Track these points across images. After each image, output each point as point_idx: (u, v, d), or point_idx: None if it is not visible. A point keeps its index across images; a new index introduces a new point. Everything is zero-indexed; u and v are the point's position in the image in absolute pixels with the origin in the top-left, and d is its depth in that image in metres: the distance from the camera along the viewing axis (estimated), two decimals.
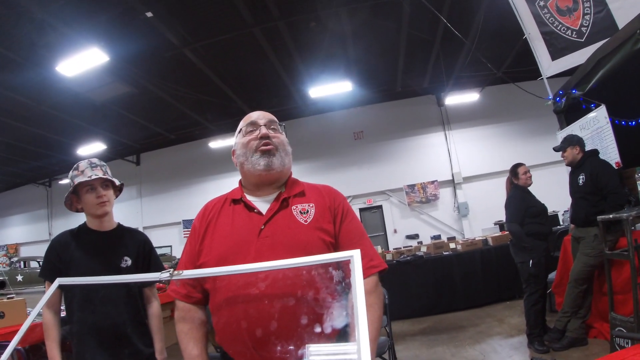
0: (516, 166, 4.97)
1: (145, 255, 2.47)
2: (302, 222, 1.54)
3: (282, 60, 10.80)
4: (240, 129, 1.72)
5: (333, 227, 1.58)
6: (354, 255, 1.00)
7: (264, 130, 1.64)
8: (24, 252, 19.63)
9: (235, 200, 1.66)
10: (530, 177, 4.93)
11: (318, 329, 1.35)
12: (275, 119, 1.73)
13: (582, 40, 5.28)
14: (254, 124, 1.68)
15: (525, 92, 8.69)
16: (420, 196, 14.25)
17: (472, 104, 13.74)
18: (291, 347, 1.34)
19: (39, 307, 1.51)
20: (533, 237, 4.64)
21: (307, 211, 1.58)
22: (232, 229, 1.57)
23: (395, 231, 14.40)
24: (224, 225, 1.60)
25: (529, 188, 4.95)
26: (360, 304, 0.91)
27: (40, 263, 2.69)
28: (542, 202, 4.90)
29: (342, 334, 1.43)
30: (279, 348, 1.35)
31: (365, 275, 1.50)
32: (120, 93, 11.44)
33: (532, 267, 4.59)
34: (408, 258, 7.52)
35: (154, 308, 2.46)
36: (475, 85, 13.13)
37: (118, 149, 16.28)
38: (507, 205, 4.99)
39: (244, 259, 1.43)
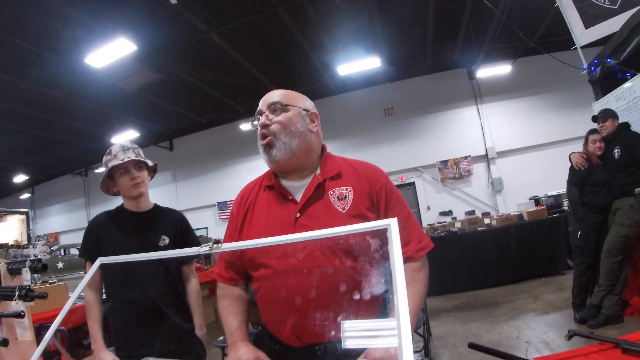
0: (589, 132, 4.75)
1: (182, 233, 2.50)
2: (340, 209, 1.49)
3: (308, 39, 10.72)
4: None
5: (374, 213, 1.52)
6: (391, 224, 1.00)
7: (262, 119, 1.58)
8: (64, 240, 20.35)
9: (269, 186, 1.63)
10: (599, 147, 4.63)
11: (356, 305, 1.39)
12: (279, 96, 1.61)
13: (616, 7, 5.06)
14: (259, 113, 1.62)
15: (558, 63, 8.45)
16: (454, 172, 14.03)
17: (505, 76, 13.26)
18: (327, 322, 1.37)
19: (82, 286, 1.58)
20: (587, 208, 4.54)
21: (345, 196, 1.51)
22: (268, 219, 1.55)
23: (428, 208, 14.25)
24: (260, 215, 1.58)
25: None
26: (399, 273, 0.87)
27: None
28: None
29: (382, 309, 1.48)
30: (316, 323, 1.38)
31: (417, 257, 1.55)
32: (149, 80, 11.63)
33: (579, 239, 4.54)
34: (442, 234, 7.51)
35: (193, 285, 2.52)
36: (507, 56, 12.68)
37: (151, 135, 16.62)
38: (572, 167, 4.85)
39: (281, 249, 1.44)
